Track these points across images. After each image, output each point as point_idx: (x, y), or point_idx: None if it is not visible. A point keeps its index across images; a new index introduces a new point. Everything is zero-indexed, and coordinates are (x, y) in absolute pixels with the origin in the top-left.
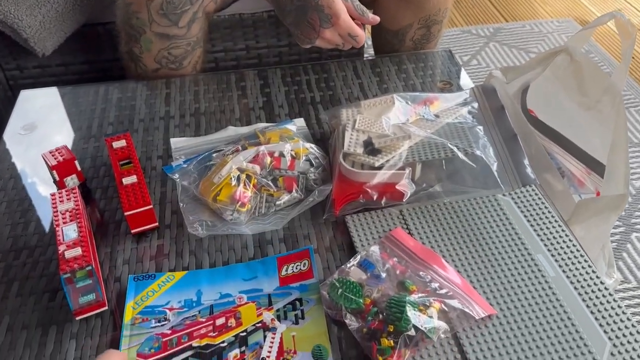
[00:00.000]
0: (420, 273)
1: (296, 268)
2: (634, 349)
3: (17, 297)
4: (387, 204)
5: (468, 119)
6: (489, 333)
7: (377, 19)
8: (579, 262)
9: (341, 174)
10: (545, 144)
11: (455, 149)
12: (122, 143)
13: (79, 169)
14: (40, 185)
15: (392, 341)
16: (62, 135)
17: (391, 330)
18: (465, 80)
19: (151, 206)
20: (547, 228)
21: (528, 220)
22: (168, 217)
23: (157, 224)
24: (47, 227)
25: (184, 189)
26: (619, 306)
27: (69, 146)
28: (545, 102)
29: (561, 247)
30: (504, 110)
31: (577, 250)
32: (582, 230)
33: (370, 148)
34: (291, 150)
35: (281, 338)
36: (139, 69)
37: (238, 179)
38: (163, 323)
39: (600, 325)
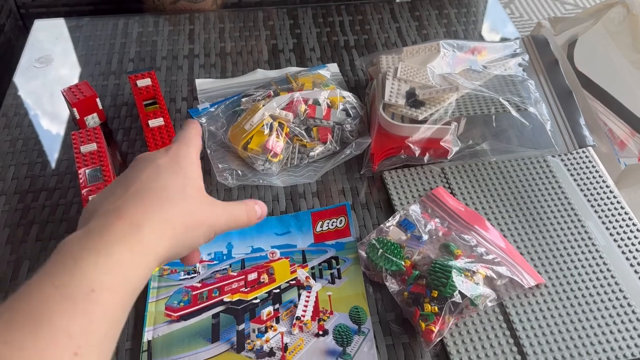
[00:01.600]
0: (465, 236)
1: (332, 225)
2: None
3: (36, 242)
4: (429, 160)
5: (518, 71)
6: (536, 302)
7: None
8: (630, 230)
9: (381, 126)
10: (589, 102)
11: (507, 105)
12: (147, 82)
13: (100, 107)
14: (59, 123)
15: (436, 307)
16: (80, 70)
17: (435, 295)
18: (511, 29)
19: None
20: (598, 194)
21: (578, 185)
22: None
23: None
24: (66, 167)
25: (211, 134)
26: None
27: (88, 82)
28: (593, 58)
29: (612, 215)
30: (557, 65)
31: (629, 219)
32: (627, 196)
33: (413, 100)
34: (327, 98)
35: (317, 297)
36: (157, 1)
37: (270, 127)
38: (192, 275)
39: None
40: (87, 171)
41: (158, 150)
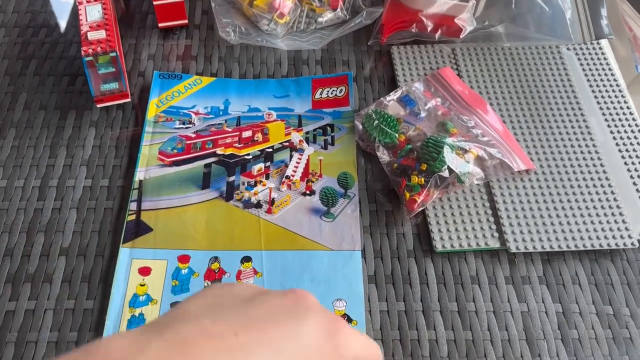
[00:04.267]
0: (464, 117)
1: (331, 93)
2: None
3: (34, 76)
4: (441, 38)
5: None
6: (523, 187)
7: None
8: (632, 131)
9: None
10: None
11: None
12: None
13: None
14: None
15: (422, 179)
16: None
17: (423, 168)
18: None
19: None
20: (607, 91)
21: (588, 80)
22: (198, 16)
23: (186, 20)
24: (67, 8)
25: None
26: None
27: None
28: None
29: (617, 114)
30: None
31: (633, 120)
32: (637, 101)
33: None
34: None
35: (308, 160)
36: None
37: None
38: (187, 126)
39: None
40: (87, 7)
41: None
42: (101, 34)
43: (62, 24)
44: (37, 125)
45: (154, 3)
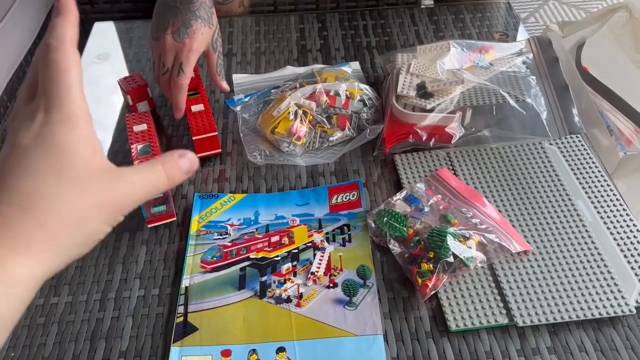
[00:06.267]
0: (462, 209)
1: (345, 198)
2: None
3: None
4: (436, 145)
5: (522, 68)
6: (523, 266)
7: (227, 88)
8: (617, 210)
9: (393, 114)
10: (596, 101)
11: (506, 96)
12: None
13: (150, 95)
14: (115, 110)
15: (431, 265)
16: (133, 65)
17: (431, 256)
18: (522, 34)
19: (216, 133)
20: (590, 177)
21: (572, 169)
22: (229, 145)
23: (220, 150)
24: (119, 146)
25: (244, 120)
26: None
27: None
28: (600, 59)
29: (601, 195)
30: (557, 62)
31: (617, 200)
32: (625, 185)
33: (423, 91)
34: (346, 90)
35: (329, 257)
36: None
37: (295, 114)
38: (224, 236)
39: (632, 267)
40: (138, 146)
41: (26, 112)
42: None
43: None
44: (95, 248)
45: (193, 138)
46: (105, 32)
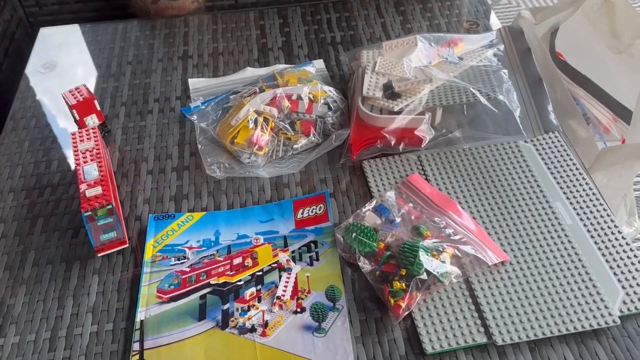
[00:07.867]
0: (435, 219)
1: (312, 211)
2: None
3: (42, 234)
4: (405, 149)
5: (493, 61)
6: (501, 279)
7: None
8: (597, 210)
9: (359, 118)
10: (571, 89)
11: (477, 94)
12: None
13: (98, 108)
14: (62, 124)
15: (404, 284)
16: (82, 73)
17: (403, 273)
18: (494, 21)
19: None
20: (568, 176)
21: (549, 168)
22: (187, 158)
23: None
24: (69, 165)
25: (202, 130)
26: (635, 255)
27: (89, 85)
28: (574, 45)
29: (580, 196)
30: (530, 53)
31: (597, 199)
32: (605, 178)
33: (390, 92)
34: (309, 93)
35: (296, 278)
36: (140, 1)
37: (255, 122)
38: (182, 261)
39: (615, 274)
40: (84, 168)
41: None
42: (98, 190)
43: (65, 182)
44: (45, 279)
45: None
46: (51, 38)
